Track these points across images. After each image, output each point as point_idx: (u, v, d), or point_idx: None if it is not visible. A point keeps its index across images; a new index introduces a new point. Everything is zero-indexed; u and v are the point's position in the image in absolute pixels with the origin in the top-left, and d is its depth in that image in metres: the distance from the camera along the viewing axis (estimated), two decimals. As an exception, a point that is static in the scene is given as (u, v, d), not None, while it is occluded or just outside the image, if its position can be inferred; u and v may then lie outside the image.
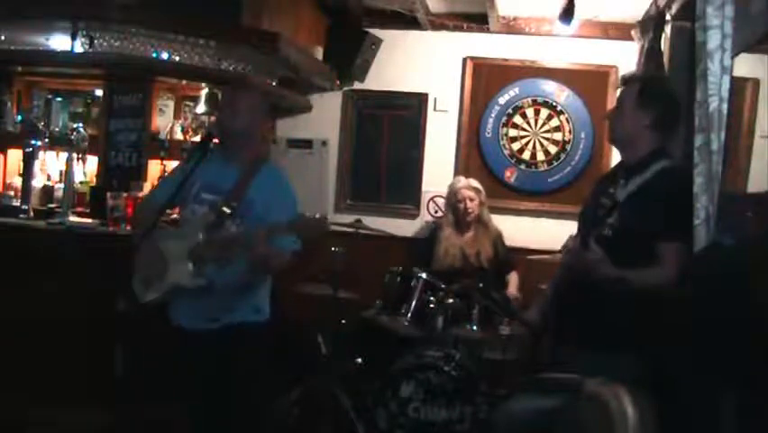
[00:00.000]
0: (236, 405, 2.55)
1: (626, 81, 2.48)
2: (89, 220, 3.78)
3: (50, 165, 4.38)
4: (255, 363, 2.60)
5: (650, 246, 2.20)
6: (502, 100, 4.72)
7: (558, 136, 4.67)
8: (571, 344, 2.33)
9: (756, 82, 3.24)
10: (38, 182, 4.19)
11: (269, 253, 2.38)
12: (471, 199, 4.04)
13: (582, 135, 4.63)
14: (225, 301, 2.53)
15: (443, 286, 3.59)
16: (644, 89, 2.34)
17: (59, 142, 4.12)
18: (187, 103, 4.43)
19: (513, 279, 4.08)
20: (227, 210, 2.49)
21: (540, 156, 4.70)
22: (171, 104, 4.39)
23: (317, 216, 2.34)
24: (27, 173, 3.96)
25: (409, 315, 3.53)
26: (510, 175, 4.71)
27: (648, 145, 2.32)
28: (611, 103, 4.53)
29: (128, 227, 3.59)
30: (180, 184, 2.54)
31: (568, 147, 4.65)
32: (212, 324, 2.53)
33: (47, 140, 4.02)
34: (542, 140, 4.69)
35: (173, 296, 2.51)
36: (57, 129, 4.24)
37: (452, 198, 4.13)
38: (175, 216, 2.86)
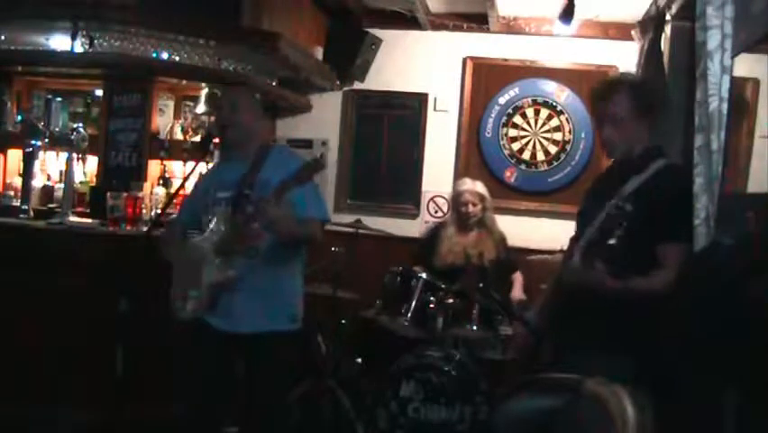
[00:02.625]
0: (258, 411, 2.55)
1: (607, 93, 2.35)
2: (89, 220, 3.78)
3: (50, 165, 4.39)
4: (283, 371, 2.63)
5: (654, 248, 2.18)
6: (502, 100, 4.73)
7: (558, 136, 4.67)
8: (571, 345, 2.32)
9: (756, 82, 3.24)
10: (38, 182, 4.19)
11: (283, 216, 2.36)
12: (474, 204, 4.00)
13: (582, 135, 4.63)
14: (263, 303, 2.53)
15: (443, 286, 3.59)
16: (638, 96, 2.27)
17: (59, 142, 4.12)
18: (187, 103, 4.43)
19: (518, 280, 4.06)
20: (243, 196, 2.50)
21: (540, 156, 4.70)
22: (171, 104, 4.38)
23: (314, 157, 2.37)
24: (27, 173, 3.96)
25: (409, 315, 3.52)
26: (510, 175, 4.72)
27: (642, 145, 2.31)
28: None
29: (128, 227, 3.60)
30: (192, 195, 2.55)
31: (568, 147, 4.65)
32: (249, 327, 2.52)
33: (47, 140, 4.02)
34: (542, 140, 4.69)
35: (212, 299, 2.51)
36: (57, 129, 4.23)
37: (455, 199, 4.11)
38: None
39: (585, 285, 2.17)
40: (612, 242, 2.15)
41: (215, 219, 2.54)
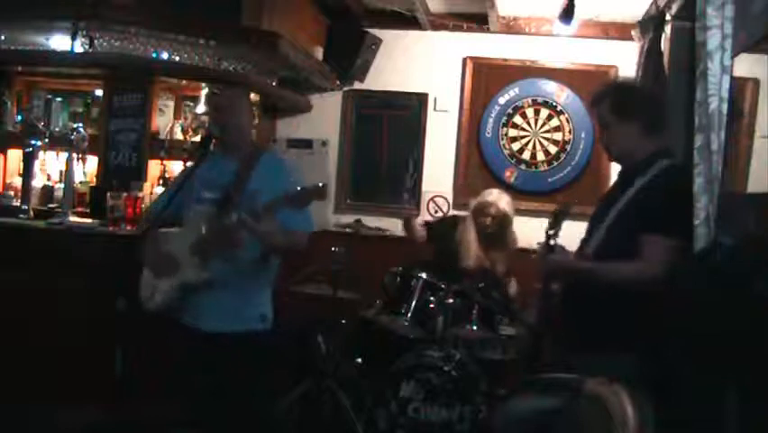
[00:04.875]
0: (231, 413, 2.53)
1: (599, 99, 2.39)
2: (89, 220, 3.78)
3: (50, 165, 4.39)
4: (254, 371, 2.58)
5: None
6: (502, 100, 4.73)
7: (558, 136, 4.67)
8: (569, 344, 2.33)
9: (756, 82, 3.24)
10: (38, 182, 4.19)
11: (272, 231, 2.36)
12: (494, 218, 3.92)
13: (582, 135, 4.63)
14: (234, 304, 2.53)
15: (442, 286, 3.59)
16: (617, 101, 2.33)
17: (59, 142, 4.12)
18: (187, 103, 4.43)
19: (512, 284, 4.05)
20: (229, 203, 2.49)
21: (540, 156, 4.70)
22: (171, 104, 4.38)
23: (316, 184, 2.36)
24: (27, 173, 3.96)
25: (409, 315, 3.52)
26: (510, 175, 4.71)
27: (646, 149, 2.32)
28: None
29: (128, 227, 3.60)
30: (179, 187, 2.55)
31: (568, 147, 4.65)
32: (219, 327, 2.51)
33: (47, 140, 4.02)
34: (542, 140, 4.69)
35: (182, 296, 2.51)
36: (57, 129, 4.24)
37: (477, 210, 3.94)
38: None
39: (560, 271, 2.31)
40: (597, 245, 2.28)
41: (197, 218, 2.52)
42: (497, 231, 3.93)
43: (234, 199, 2.49)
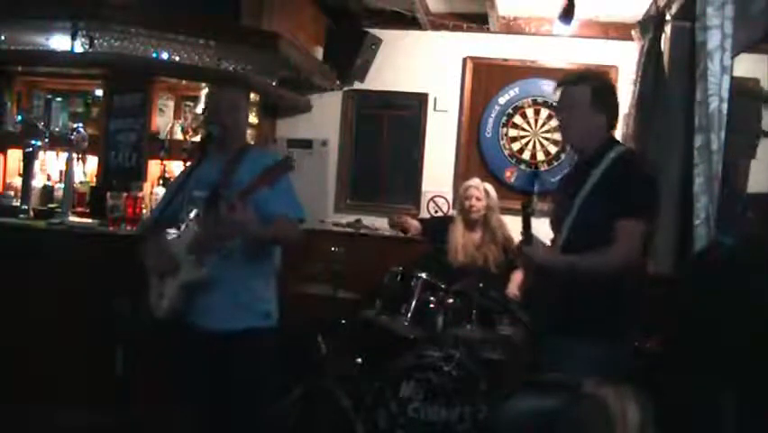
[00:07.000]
0: (236, 410, 2.54)
1: (573, 81, 2.46)
2: (89, 220, 3.78)
3: (50, 165, 4.38)
4: (259, 368, 2.58)
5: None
6: (502, 100, 4.73)
7: (558, 136, 4.66)
8: (548, 334, 2.36)
9: (756, 82, 3.24)
10: (38, 182, 4.19)
11: (247, 220, 2.33)
12: (478, 199, 4.00)
13: (582, 135, 4.63)
14: (238, 300, 2.52)
15: (443, 286, 3.59)
16: (599, 90, 2.39)
17: (59, 142, 4.12)
18: (187, 103, 4.42)
19: (516, 277, 4.06)
20: (217, 197, 2.47)
21: (540, 156, 4.70)
22: (171, 104, 4.38)
23: (284, 157, 2.35)
24: (27, 173, 3.96)
25: (409, 315, 3.52)
26: (510, 175, 4.71)
27: (601, 138, 2.39)
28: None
29: (128, 227, 3.60)
30: (178, 187, 2.55)
31: (568, 147, 4.65)
32: (222, 324, 2.51)
33: (47, 140, 4.02)
34: (542, 140, 4.69)
35: (187, 297, 2.51)
36: (57, 129, 4.24)
37: (462, 194, 4.07)
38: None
39: (538, 264, 2.38)
40: (568, 235, 2.35)
41: (190, 218, 2.53)
42: (483, 213, 4.00)
43: (222, 195, 2.48)
